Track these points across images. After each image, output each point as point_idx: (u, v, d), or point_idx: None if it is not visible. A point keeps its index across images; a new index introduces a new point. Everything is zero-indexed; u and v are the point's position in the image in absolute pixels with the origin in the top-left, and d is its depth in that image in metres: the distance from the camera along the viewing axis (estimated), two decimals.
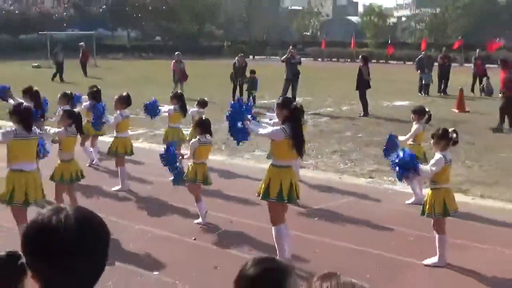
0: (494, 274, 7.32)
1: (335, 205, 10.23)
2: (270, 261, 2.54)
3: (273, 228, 7.45)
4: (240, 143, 8.02)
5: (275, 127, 7.54)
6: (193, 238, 8.56)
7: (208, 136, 9.22)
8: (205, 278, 7.12)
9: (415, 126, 10.39)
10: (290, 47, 24.73)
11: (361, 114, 21.07)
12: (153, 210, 9.87)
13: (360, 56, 23.29)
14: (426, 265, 7.54)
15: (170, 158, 8.90)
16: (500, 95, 19.31)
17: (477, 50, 33.19)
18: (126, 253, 7.86)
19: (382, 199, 10.63)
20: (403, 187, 10.56)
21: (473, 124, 19.18)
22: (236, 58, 26.13)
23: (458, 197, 10.15)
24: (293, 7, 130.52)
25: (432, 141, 7.79)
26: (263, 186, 7.46)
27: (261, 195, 7.52)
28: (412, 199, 10.18)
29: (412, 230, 8.81)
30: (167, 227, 8.92)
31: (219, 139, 15.99)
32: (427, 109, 10.69)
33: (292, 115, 7.32)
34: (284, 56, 23.88)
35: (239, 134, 7.57)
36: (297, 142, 7.28)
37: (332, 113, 22.13)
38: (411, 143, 10.18)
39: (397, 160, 7.40)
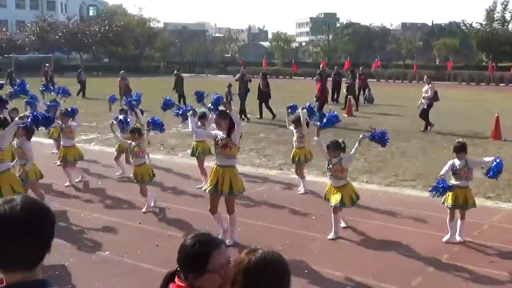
0: (374, 241, 7.50)
1: (253, 192, 10.23)
2: (203, 235, 2.54)
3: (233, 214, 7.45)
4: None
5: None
6: (138, 222, 8.38)
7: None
8: (149, 255, 6.97)
9: (304, 130, 10.36)
10: (242, 67, 24.12)
11: (272, 118, 21.14)
12: (105, 201, 9.61)
13: (260, 73, 23.26)
14: (329, 239, 7.61)
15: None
16: (314, 99, 20.48)
17: (361, 67, 33.92)
18: (82, 237, 7.62)
19: (289, 186, 10.71)
20: (308, 176, 10.64)
21: (359, 126, 19.60)
22: (175, 72, 26.79)
23: None
24: (216, 35, 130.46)
25: (327, 149, 7.74)
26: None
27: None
28: (302, 190, 10.23)
29: (313, 210, 8.92)
30: (116, 214, 8.69)
31: (158, 141, 15.75)
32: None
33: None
34: (237, 76, 22.80)
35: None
36: None
37: (272, 120, 21.94)
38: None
39: None
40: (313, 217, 8.62)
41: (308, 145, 10.45)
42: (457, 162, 7.56)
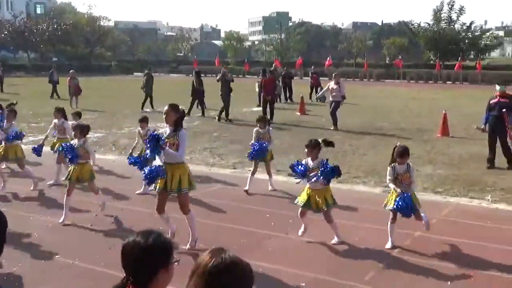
0: (327, 238, 7.54)
1: (206, 192, 10.19)
2: (152, 231, 2.65)
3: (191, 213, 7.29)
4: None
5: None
6: (90, 225, 8.21)
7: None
8: (101, 257, 6.83)
9: (270, 130, 10.37)
10: (223, 67, 23.78)
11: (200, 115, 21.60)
12: (53, 203, 9.37)
13: (193, 72, 23.38)
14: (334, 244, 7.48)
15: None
16: (268, 97, 20.73)
17: (312, 66, 34.35)
18: (30, 241, 7.41)
19: (243, 185, 10.66)
20: (261, 175, 10.62)
21: (312, 124, 19.83)
22: (146, 72, 26.58)
23: None
24: (168, 33, 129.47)
25: (306, 148, 7.59)
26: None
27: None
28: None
29: (266, 208, 8.94)
30: (66, 217, 8.48)
31: (110, 142, 15.51)
32: (267, 117, 10.68)
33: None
34: (219, 76, 22.03)
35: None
36: None
37: (201, 117, 22.05)
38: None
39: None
40: (267, 215, 8.64)
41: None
42: (398, 167, 7.23)
